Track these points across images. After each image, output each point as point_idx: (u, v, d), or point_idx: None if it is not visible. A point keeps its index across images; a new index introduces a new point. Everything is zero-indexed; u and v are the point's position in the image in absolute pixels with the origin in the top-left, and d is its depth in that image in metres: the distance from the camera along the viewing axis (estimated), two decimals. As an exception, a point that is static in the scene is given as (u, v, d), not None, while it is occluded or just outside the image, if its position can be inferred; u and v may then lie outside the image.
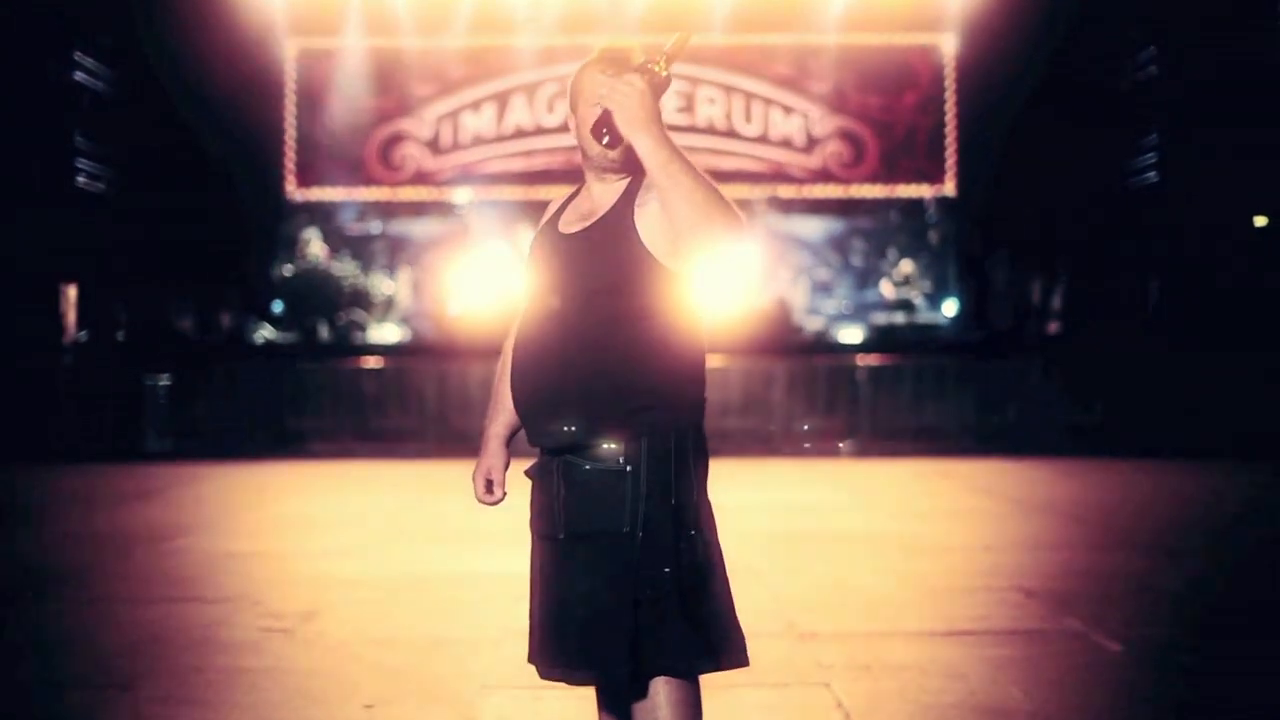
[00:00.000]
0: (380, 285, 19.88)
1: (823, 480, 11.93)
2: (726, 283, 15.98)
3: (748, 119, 20.67)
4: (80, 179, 17.92)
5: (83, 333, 17.30)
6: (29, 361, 14.49)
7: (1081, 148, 17.54)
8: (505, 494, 3.06)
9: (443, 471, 11.55)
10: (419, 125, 20.67)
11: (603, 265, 2.80)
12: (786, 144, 20.76)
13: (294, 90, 20.48)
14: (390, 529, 8.95)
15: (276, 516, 9.77)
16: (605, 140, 2.75)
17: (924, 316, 19.83)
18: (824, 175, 20.78)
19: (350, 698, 4.63)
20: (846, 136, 20.74)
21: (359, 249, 20.43)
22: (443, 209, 20.52)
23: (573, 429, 2.78)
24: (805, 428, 14.03)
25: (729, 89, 20.56)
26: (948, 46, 20.52)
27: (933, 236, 20.78)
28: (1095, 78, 18.21)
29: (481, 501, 3.06)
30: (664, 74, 2.77)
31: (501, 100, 20.64)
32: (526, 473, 2.94)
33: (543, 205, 3.11)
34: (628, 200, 2.82)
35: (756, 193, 19.93)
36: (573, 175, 2.99)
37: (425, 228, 20.76)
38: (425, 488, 11.37)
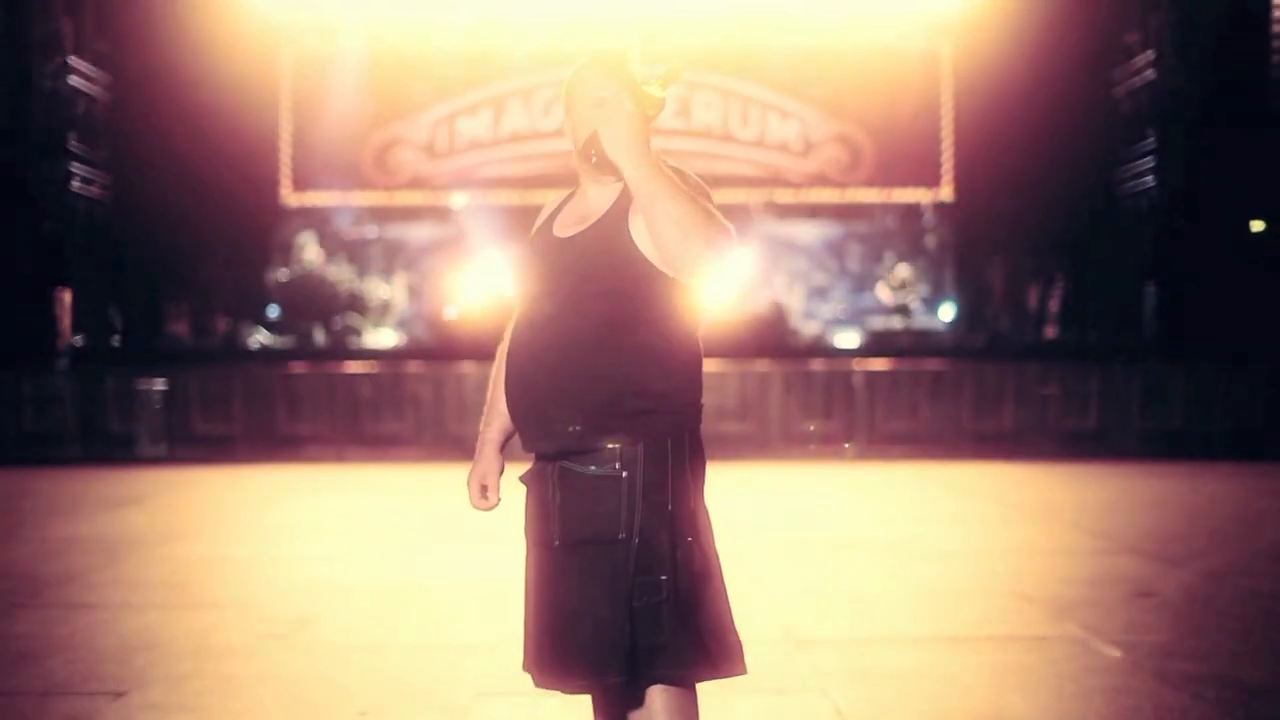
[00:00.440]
0: (376, 290, 19.86)
1: (820, 485, 11.90)
2: (722, 287, 15.95)
3: (744, 123, 20.67)
4: (75, 183, 17.88)
5: (77, 337, 17.27)
6: (24, 365, 14.45)
7: (1078, 152, 17.54)
8: (500, 499, 3.03)
9: (438, 476, 11.52)
10: (415, 130, 20.65)
11: (598, 268, 2.77)
12: (783, 148, 20.76)
13: (290, 95, 20.45)
14: (385, 534, 8.91)
15: (271, 521, 9.73)
16: (594, 160, 2.77)
17: (921, 321, 19.82)
18: (821, 179, 20.78)
19: (344, 704, 4.60)
20: (843, 141, 20.74)
21: (355, 253, 20.40)
22: (439, 213, 20.49)
23: (567, 434, 2.75)
24: (810, 428, 13.99)
25: (726, 93, 20.56)
26: (945, 51, 20.52)
27: (929, 241, 20.78)
28: (1092, 82, 18.22)
29: (476, 507, 3.04)
30: (658, 95, 2.81)
31: (498, 105, 20.63)
32: (521, 478, 2.91)
33: (539, 210, 3.09)
34: (623, 203, 2.80)
35: (753, 197, 19.94)
36: (569, 180, 2.98)
37: (421, 232, 20.74)
38: (420, 492, 11.33)
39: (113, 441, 13.88)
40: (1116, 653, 5.26)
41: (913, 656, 5.22)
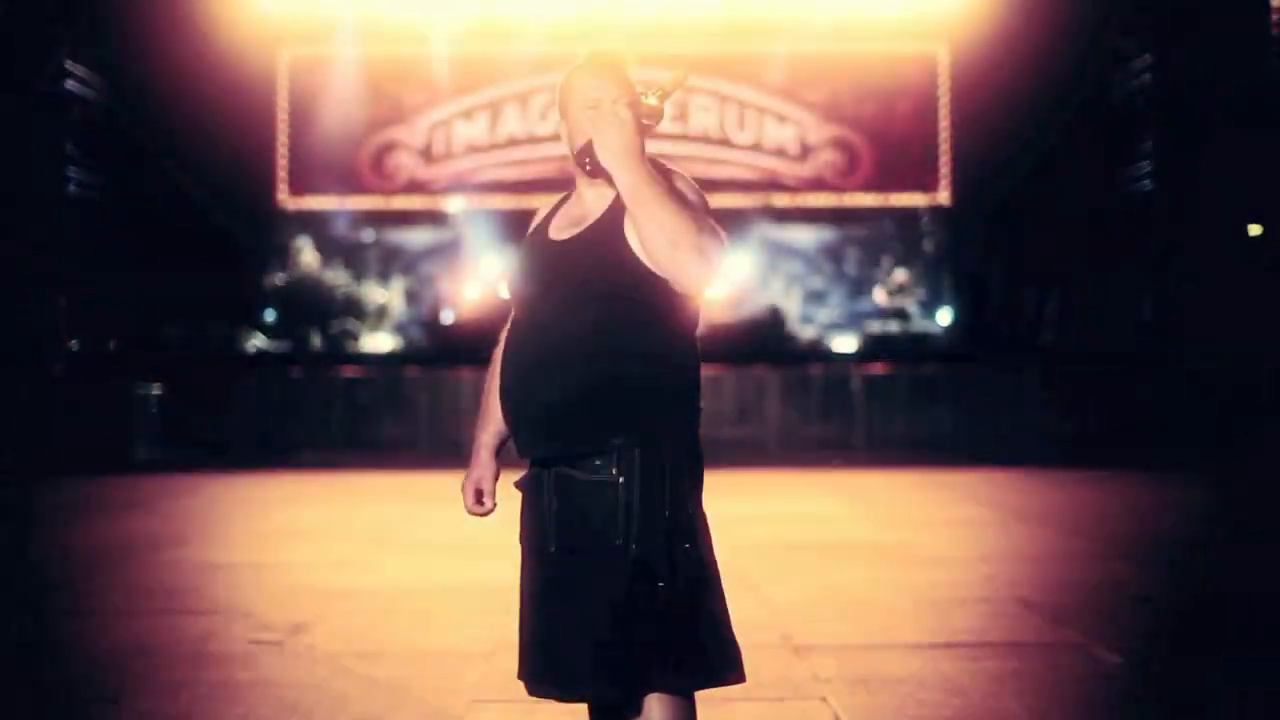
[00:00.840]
0: (373, 294, 19.83)
1: (818, 490, 11.87)
2: (720, 291, 15.94)
3: (742, 127, 20.66)
4: (71, 188, 17.86)
5: (74, 342, 17.23)
6: (20, 370, 14.41)
7: (1076, 156, 17.53)
8: (495, 505, 3.00)
9: (434, 481, 11.48)
10: (411, 134, 20.63)
11: (593, 272, 2.74)
12: (780, 153, 20.75)
13: (286, 99, 20.43)
14: (381, 540, 8.88)
15: (267, 527, 9.70)
16: (588, 168, 2.76)
17: (918, 325, 19.81)
18: (818, 184, 20.77)
19: (340, 712, 4.57)
20: (840, 145, 20.73)
21: (352, 257, 20.37)
22: (436, 218, 20.47)
23: (563, 439, 2.72)
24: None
25: (723, 97, 20.55)
26: (942, 55, 20.52)
27: (927, 245, 20.77)
28: (1090, 86, 18.22)
29: (470, 512, 3.01)
30: (656, 104, 2.80)
31: (494, 109, 20.62)
32: (517, 484, 2.88)
33: (535, 214, 3.07)
34: (619, 207, 2.76)
35: (750, 201, 19.93)
36: (565, 184, 2.96)
37: (418, 236, 20.72)
38: (417, 498, 11.29)
39: (108, 446, 13.85)
40: (1117, 659, 5.23)
41: (912, 662, 5.19)
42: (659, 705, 2.71)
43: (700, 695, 2.78)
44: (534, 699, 2.87)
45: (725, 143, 20.57)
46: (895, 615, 6.19)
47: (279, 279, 19.74)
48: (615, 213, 2.77)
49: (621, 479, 2.69)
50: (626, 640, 2.66)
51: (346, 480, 12.78)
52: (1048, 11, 17.41)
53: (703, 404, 2.86)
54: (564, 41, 18.93)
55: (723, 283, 15.37)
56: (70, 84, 17.81)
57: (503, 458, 3.01)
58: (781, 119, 20.71)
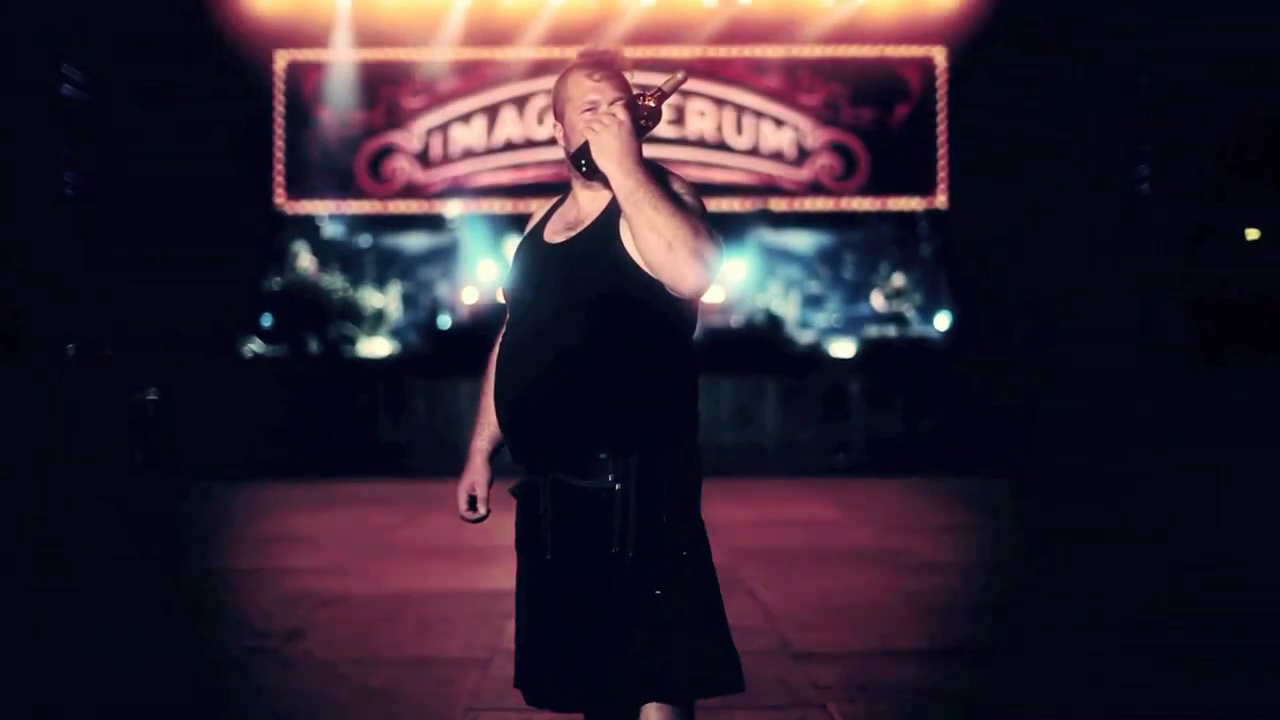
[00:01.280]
0: (370, 298, 19.78)
1: (816, 496, 11.83)
2: (717, 295, 15.93)
3: (738, 131, 20.64)
4: (66, 190, 17.82)
5: (70, 346, 17.17)
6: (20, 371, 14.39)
7: (1074, 159, 17.51)
8: (489, 511, 2.97)
9: (431, 487, 11.43)
10: (409, 138, 20.60)
11: (588, 275, 2.71)
12: (778, 157, 20.72)
13: (282, 102, 20.40)
14: (377, 546, 8.84)
15: (262, 533, 9.66)
16: (584, 170, 2.74)
17: (916, 330, 19.78)
18: (815, 188, 20.73)
19: (334, 720, 4.54)
20: (838, 149, 20.71)
21: (349, 262, 20.33)
22: (433, 222, 20.44)
23: (558, 445, 2.69)
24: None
25: (720, 102, 20.52)
26: (939, 58, 20.51)
27: (925, 249, 20.74)
28: (1087, 89, 18.20)
29: (464, 518, 2.98)
30: (653, 106, 2.79)
31: (491, 113, 20.58)
32: (512, 491, 2.84)
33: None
34: (615, 209, 2.73)
35: (748, 205, 19.91)
36: (562, 189, 2.93)
37: (415, 241, 20.69)
38: (413, 504, 11.25)
39: (105, 451, 13.80)
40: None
41: (912, 670, 5.15)
42: (658, 714, 2.67)
43: (700, 704, 2.74)
44: (530, 708, 2.84)
45: (722, 147, 20.53)
46: (895, 621, 6.15)
47: (275, 283, 19.69)
48: (611, 216, 2.74)
49: (619, 486, 2.65)
50: (624, 648, 2.63)
51: (341, 485, 12.74)
52: (1045, 15, 17.40)
53: (700, 409, 2.82)
54: (561, 45, 18.93)
55: (719, 287, 15.35)
56: (65, 87, 17.77)
57: (498, 463, 2.98)
58: (779, 123, 20.68)
